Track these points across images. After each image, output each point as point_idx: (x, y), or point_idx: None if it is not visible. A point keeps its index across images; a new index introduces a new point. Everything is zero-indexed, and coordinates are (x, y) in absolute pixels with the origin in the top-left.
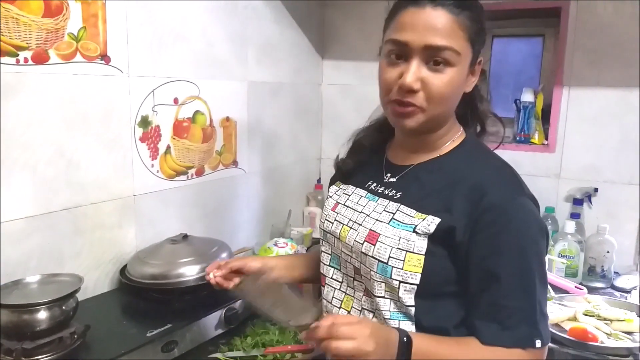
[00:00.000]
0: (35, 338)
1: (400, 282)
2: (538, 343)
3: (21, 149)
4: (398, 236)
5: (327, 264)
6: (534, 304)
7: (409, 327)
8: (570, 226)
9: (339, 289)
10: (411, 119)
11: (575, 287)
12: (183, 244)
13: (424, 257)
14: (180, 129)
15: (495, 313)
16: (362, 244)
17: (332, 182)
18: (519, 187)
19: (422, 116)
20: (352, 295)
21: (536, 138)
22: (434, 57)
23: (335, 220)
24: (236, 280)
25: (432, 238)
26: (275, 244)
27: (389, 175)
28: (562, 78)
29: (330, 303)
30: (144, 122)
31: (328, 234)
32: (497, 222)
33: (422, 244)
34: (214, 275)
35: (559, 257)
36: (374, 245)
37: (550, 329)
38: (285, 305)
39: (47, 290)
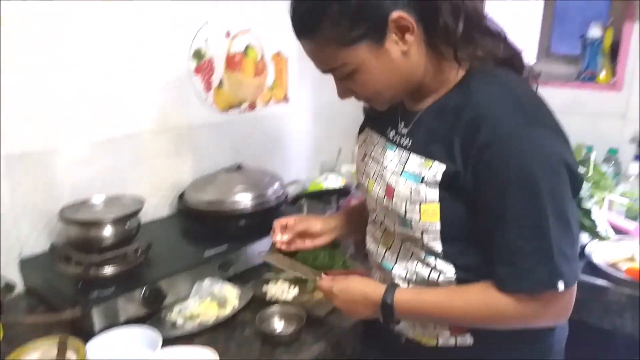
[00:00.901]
0: (101, 252)
1: (422, 232)
2: (560, 285)
3: (85, 77)
4: (409, 189)
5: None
6: (549, 244)
7: (447, 267)
8: (633, 168)
9: (379, 229)
10: (377, 105)
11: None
12: (237, 174)
13: (439, 205)
14: (232, 62)
15: (510, 256)
16: (384, 198)
17: (362, 129)
18: (530, 116)
19: (384, 98)
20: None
21: (602, 76)
22: (337, 75)
23: (364, 172)
24: (299, 243)
25: (442, 186)
26: (326, 179)
27: (402, 123)
28: (634, 12)
29: (372, 236)
30: (198, 54)
31: (361, 185)
32: (497, 157)
33: (433, 194)
34: (281, 240)
35: (620, 198)
36: (392, 199)
37: (606, 269)
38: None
39: (112, 209)
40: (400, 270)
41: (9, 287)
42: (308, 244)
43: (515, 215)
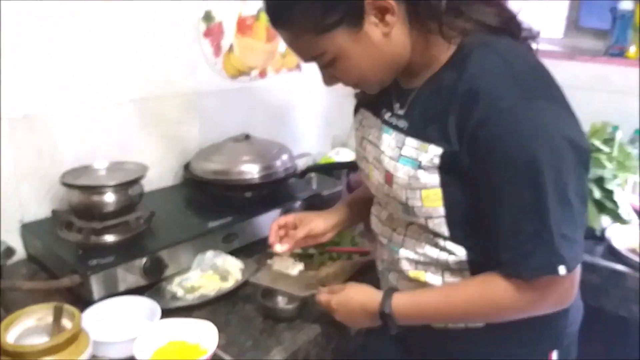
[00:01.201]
0: (103, 219)
1: (426, 218)
2: (562, 269)
3: (90, 40)
4: (407, 175)
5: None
6: (548, 226)
7: (457, 248)
8: None
9: (384, 211)
10: (367, 90)
11: None
12: (244, 144)
13: (440, 190)
14: (244, 26)
15: (509, 240)
16: (384, 185)
17: (356, 109)
18: (528, 88)
19: (371, 83)
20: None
21: (632, 52)
22: (320, 63)
23: (363, 157)
24: (301, 243)
25: (442, 169)
26: (337, 154)
27: (398, 104)
28: None
29: (377, 217)
30: (208, 16)
31: (361, 171)
32: (493, 135)
33: (433, 179)
34: (282, 251)
35: None
36: (392, 186)
37: (626, 254)
38: (294, 283)
39: (114, 176)
40: (407, 252)
41: (9, 251)
42: (310, 242)
43: (512, 196)
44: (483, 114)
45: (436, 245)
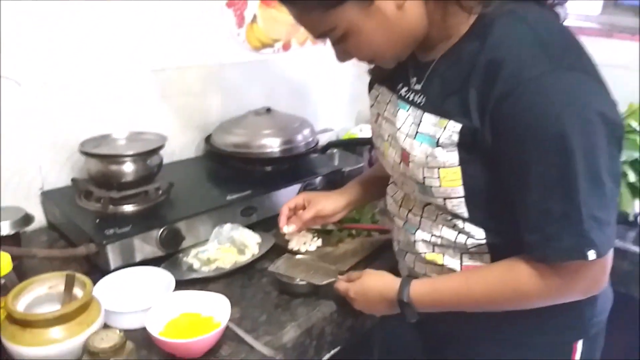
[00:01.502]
0: (121, 189)
1: (444, 198)
2: (591, 254)
3: (111, 8)
4: (425, 154)
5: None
6: (577, 206)
7: (476, 230)
8: None
9: (399, 191)
10: (382, 65)
11: None
12: (266, 117)
13: (459, 168)
14: None
15: (535, 222)
16: (400, 164)
17: (371, 85)
18: (556, 57)
19: (387, 58)
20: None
21: None
22: (331, 39)
23: (379, 135)
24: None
25: (461, 147)
26: (361, 131)
27: (415, 79)
28: None
29: (392, 198)
30: None
31: (377, 149)
32: (518, 109)
33: (452, 157)
34: (289, 232)
35: None
36: (408, 165)
37: None
38: (313, 272)
39: (134, 145)
40: (423, 234)
41: (27, 219)
42: (319, 222)
43: (538, 175)
44: (507, 86)
45: (454, 227)
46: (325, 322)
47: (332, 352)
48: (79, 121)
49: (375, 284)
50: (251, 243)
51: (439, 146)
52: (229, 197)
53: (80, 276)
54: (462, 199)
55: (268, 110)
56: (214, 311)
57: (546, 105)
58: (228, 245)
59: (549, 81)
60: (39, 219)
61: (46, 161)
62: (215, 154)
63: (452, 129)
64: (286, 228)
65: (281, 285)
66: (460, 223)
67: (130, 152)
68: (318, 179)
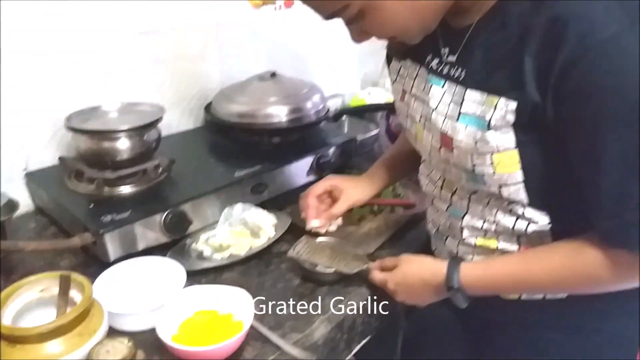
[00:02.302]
0: (117, 168)
1: (499, 186)
2: None
3: None
4: (472, 138)
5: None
6: None
7: (539, 215)
8: None
9: (438, 172)
10: (407, 40)
11: None
12: (271, 83)
13: (517, 151)
14: None
15: (609, 206)
16: (439, 149)
17: (389, 56)
18: (635, 13)
19: (412, 33)
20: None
21: None
22: (345, 19)
23: (408, 115)
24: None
25: (518, 126)
26: (369, 94)
27: (447, 49)
28: None
29: (429, 179)
30: None
31: (406, 131)
32: (589, 77)
33: (507, 140)
34: (317, 225)
35: None
36: (451, 151)
37: None
38: (339, 258)
39: (127, 118)
40: (474, 220)
41: (12, 205)
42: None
43: (615, 152)
44: (576, 49)
45: (511, 212)
46: (356, 313)
47: (362, 342)
48: (64, 92)
49: (416, 271)
50: (266, 225)
51: (491, 129)
52: (237, 174)
53: (76, 276)
54: (521, 185)
55: (273, 74)
56: (232, 307)
57: (625, 70)
58: (241, 228)
59: (628, 41)
60: (26, 203)
61: (29, 139)
62: (216, 125)
63: (505, 108)
64: (314, 222)
65: (304, 272)
66: (519, 208)
67: (125, 127)
68: (331, 150)
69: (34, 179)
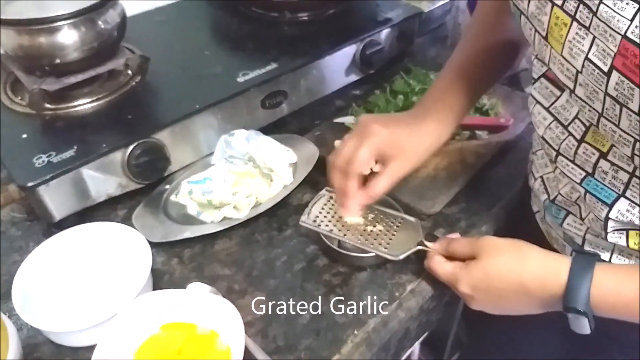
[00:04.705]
0: (61, 74)
1: None
2: None
3: None
4: None
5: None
6: None
7: None
8: None
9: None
10: None
11: None
12: None
13: None
14: None
15: None
16: (607, 75)
17: None
18: None
19: None
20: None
21: None
22: None
23: (540, 16)
24: None
25: None
26: None
27: None
28: None
29: (559, 120)
30: None
31: (536, 44)
32: None
33: None
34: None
35: None
36: (637, 85)
37: None
38: (380, 227)
39: None
40: (631, 206)
41: None
42: None
43: None
44: None
45: None
46: (409, 321)
47: (409, 351)
48: None
49: (511, 271)
50: (280, 165)
51: None
52: (240, 79)
53: None
54: None
55: None
56: (218, 321)
57: None
58: (244, 169)
59: None
60: None
61: None
62: None
63: None
64: (354, 218)
65: (330, 250)
66: None
67: (65, 12)
68: (384, 34)
69: None
